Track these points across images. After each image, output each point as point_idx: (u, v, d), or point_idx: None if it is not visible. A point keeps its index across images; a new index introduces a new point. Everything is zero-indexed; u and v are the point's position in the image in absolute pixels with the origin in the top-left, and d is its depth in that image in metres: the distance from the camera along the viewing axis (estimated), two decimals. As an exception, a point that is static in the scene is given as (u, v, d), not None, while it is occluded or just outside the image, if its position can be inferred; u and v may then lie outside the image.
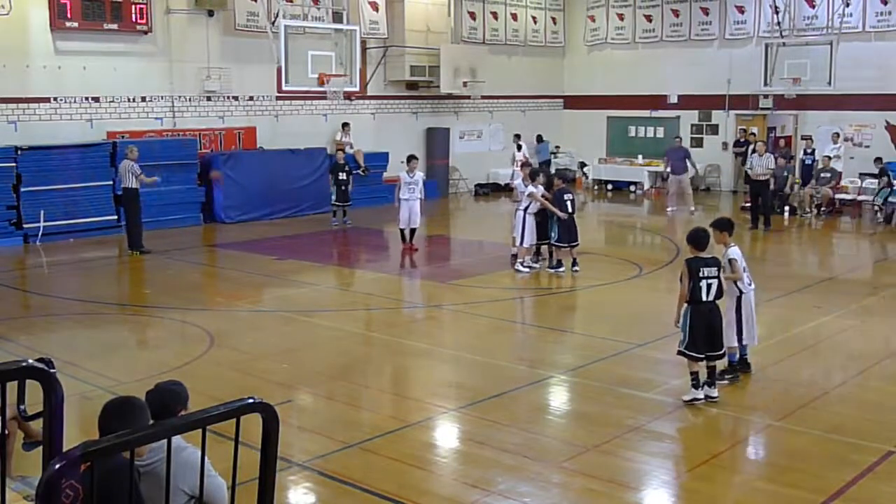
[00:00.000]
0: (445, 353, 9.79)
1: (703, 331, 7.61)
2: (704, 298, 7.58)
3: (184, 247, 16.05)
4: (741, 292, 8.06)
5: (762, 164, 18.23)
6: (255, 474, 2.88)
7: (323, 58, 18.06)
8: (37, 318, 11.22)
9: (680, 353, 7.77)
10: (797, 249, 17.56)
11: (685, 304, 7.67)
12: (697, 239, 7.82)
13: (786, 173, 19.98)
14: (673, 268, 14.59)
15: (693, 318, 7.62)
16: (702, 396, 7.67)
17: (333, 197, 18.26)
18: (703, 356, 7.66)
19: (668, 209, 20.88)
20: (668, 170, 21.28)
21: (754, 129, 23.84)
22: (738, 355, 8.33)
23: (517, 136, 23.99)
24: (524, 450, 6.75)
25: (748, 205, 21.07)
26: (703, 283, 7.57)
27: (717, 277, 7.64)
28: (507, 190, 23.85)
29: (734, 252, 8.11)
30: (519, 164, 22.60)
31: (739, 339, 8.21)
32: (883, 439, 6.92)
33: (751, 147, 22.40)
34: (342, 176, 18.19)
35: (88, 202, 16.63)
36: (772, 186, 18.47)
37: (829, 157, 20.42)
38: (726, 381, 8.17)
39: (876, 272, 14.95)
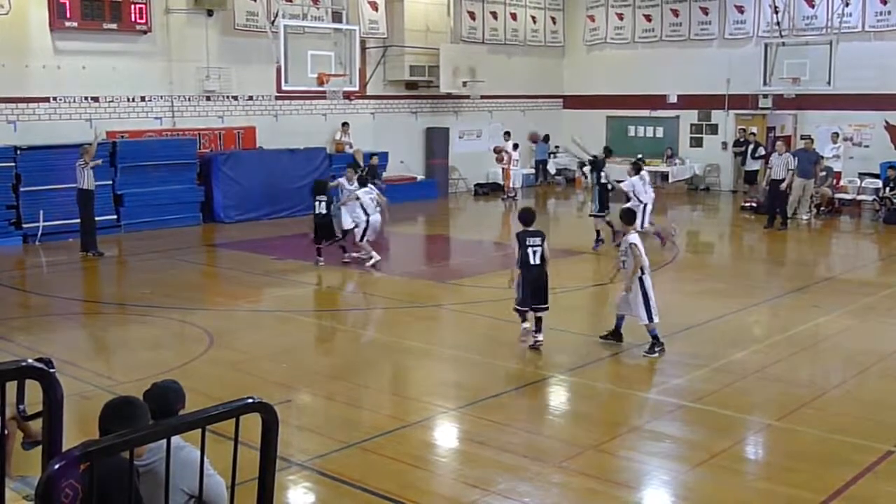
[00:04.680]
0: (445, 352, 9.79)
1: (530, 289, 9.23)
2: (531, 262, 9.22)
3: (183, 246, 16.05)
4: (642, 273, 9.10)
5: (780, 164, 18.01)
6: (255, 474, 2.88)
7: (322, 57, 18.07)
8: (36, 318, 11.21)
9: (515, 309, 9.40)
10: (797, 249, 17.55)
11: (517, 270, 9.23)
12: (523, 218, 9.50)
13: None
14: (674, 268, 14.61)
15: (524, 279, 9.25)
16: (528, 326, 9.38)
17: None
18: (528, 308, 9.33)
19: (803, 217, 19.21)
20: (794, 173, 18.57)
21: (754, 129, 23.83)
22: (657, 330, 9.10)
23: (507, 134, 24.07)
24: (524, 449, 6.75)
25: (747, 204, 21.10)
26: (530, 251, 9.22)
27: (541, 246, 9.22)
28: (501, 190, 23.92)
29: (633, 238, 9.23)
30: (509, 160, 22.82)
31: (649, 317, 9.08)
32: (883, 439, 6.93)
33: (750, 146, 22.43)
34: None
35: (87, 202, 16.61)
36: (783, 186, 17.99)
37: (822, 157, 20.35)
38: (656, 355, 9.01)
39: (875, 272, 14.96)
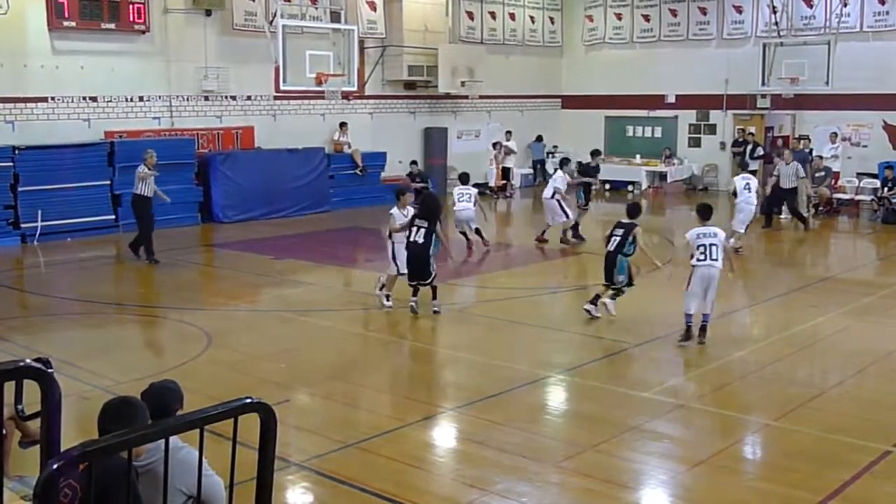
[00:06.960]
0: (444, 352, 9.79)
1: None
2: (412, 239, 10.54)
3: (181, 246, 16.03)
4: (693, 266, 9.43)
5: (788, 174, 17.50)
6: (253, 474, 2.88)
7: (321, 57, 18.06)
8: (34, 318, 11.21)
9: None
10: (795, 249, 17.56)
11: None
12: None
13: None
14: (671, 268, 14.59)
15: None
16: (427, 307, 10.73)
17: None
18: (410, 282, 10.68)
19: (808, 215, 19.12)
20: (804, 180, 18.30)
21: (752, 129, 23.84)
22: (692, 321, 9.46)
23: (508, 133, 24.12)
24: (522, 449, 6.75)
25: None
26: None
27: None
28: (500, 190, 23.99)
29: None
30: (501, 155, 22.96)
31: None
32: (880, 438, 6.94)
33: (749, 146, 22.42)
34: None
35: (86, 202, 16.61)
36: (807, 193, 17.81)
37: (821, 157, 20.36)
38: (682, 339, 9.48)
39: (873, 272, 14.96)
